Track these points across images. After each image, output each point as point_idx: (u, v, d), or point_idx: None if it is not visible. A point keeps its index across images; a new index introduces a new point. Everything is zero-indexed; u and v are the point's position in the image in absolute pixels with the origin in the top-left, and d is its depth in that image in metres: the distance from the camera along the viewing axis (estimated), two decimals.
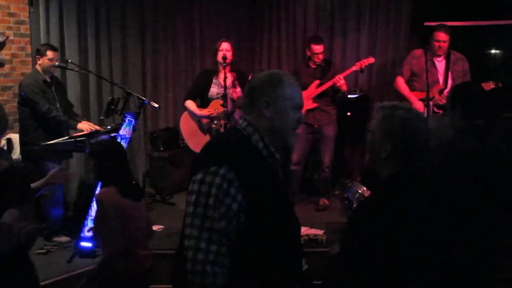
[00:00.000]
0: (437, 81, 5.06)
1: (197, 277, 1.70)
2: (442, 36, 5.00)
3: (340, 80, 5.17)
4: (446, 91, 5.02)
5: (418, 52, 5.19)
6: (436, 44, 5.03)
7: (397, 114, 1.89)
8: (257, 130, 1.90)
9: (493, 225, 2.63)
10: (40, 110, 4.46)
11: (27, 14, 5.46)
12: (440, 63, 5.12)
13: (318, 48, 5.35)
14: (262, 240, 1.80)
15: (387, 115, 1.92)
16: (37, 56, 4.62)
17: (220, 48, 4.97)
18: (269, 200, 1.82)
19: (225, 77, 4.76)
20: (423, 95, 4.80)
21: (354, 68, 5.28)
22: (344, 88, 5.25)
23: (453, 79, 5.09)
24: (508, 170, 2.68)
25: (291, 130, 1.95)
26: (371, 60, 5.28)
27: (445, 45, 5.03)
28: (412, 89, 5.18)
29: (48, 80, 4.65)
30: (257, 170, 1.83)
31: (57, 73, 5.27)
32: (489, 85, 4.88)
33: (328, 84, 5.27)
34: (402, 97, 5.26)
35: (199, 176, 1.78)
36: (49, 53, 4.59)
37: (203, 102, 5.11)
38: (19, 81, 4.78)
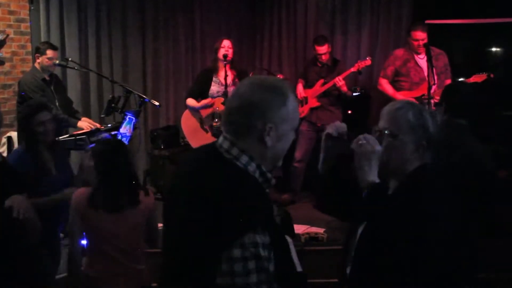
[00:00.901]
0: (424, 79, 5.02)
1: None
2: (419, 34, 4.99)
3: (339, 81, 5.18)
4: (434, 87, 5.01)
5: (400, 52, 5.19)
6: (415, 43, 5.02)
7: (426, 113, 1.90)
8: (252, 158, 1.58)
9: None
10: None
11: (27, 12, 5.45)
12: (422, 61, 5.10)
13: (321, 49, 5.38)
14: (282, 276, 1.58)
15: (416, 113, 1.89)
16: (37, 55, 4.62)
17: (222, 45, 4.97)
18: (276, 231, 1.60)
19: (226, 75, 4.76)
20: (412, 94, 4.84)
21: (352, 70, 5.30)
22: (344, 89, 5.26)
23: (437, 75, 5.06)
24: (474, 172, 2.76)
25: (285, 151, 1.68)
26: (368, 62, 5.29)
27: (424, 42, 5.01)
28: (399, 89, 5.16)
29: (47, 78, 4.64)
30: (271, 215, 1.60)
31: (58, 71, 5.27)
32: (481, 77, 4.86)
33: (331, 83, 5.28)
34: (387, 98, 5.23)
35: (237, 253, 1.44)
36: (49, 52, 4.58)
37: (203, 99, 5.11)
38: (19, 79, 4.78)
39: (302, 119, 5.60)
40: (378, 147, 1.89)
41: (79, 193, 2.89)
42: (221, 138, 1.62)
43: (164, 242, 1.73)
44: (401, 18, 6.35)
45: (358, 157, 1.91)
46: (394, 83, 5.22)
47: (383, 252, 1.81)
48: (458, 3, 5.93)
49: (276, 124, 1.57)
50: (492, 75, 4.83)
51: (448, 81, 5.09)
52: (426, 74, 5.03)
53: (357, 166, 1.91)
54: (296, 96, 1.75)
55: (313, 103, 5.46)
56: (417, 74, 5.05)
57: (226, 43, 4.98)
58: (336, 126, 2.20)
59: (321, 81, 5.41)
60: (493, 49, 6.79)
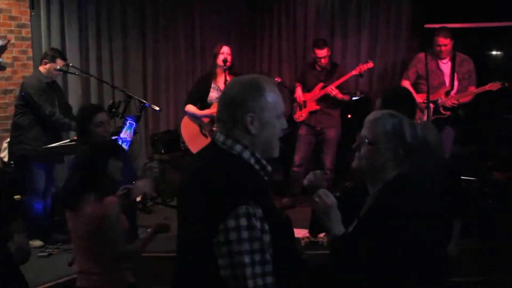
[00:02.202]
0: (444, 83, 5.08)
1: None
2: (442, 40, 5.01)
3: (333, 91, 5.21)
4: (453, 92, 5.05)
5: (422, 55, 5.20)
6: (437, 48, 5.06)
7: (404, 121, 2.01)
8: (246, 147, 1.79)
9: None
10: (43, 112, 4.47)
11: (29, 18, 5.47)
12: (445, 65, 5.13)
13: (321, 52, 5.38)
14: (282, 259, 1.75)
15: (395, 123, 2.00)
16: (45, 60, 4.61)
17: (221, 52, 4.99)
18: (276, 217, 1.78)
19: (226, 80, 4.78)
20: (432, 97, 4.82)
21: (353, 73, 5.31)
22: (340, 96, 5.28)
23: (459, 81, 5.10)
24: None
25: (276, 140, 1.86)
26: (370, 65, 5.30)
27: (447, 48, 5.04)
28: (419, 91, 5.19)
29: (50, 83, 4.66)
30: (263, 192, 1.76)
31: (58, 76, 5.29)
32: (496, 85, 4.89)
33: (325, 91, 5.30)
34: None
35: (232, 224, 1.62)
36: (59, 61, 4.62)
37: (203, 107, 5.12)
38: (21, 83, 4.79)
39: (301, 123, 5.61)
40: (331, 200, 2.02)
41: None
42: (217, 134, 1.83)
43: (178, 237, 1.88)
44: (401, 22, 6.37)
45: (318, 214, 2.05)
46: (415, 85, 5.25)
47: (360, 261, 1.90)
48: (458, 7, 5.94)
49: (256, 113, 1.77)
50: (506, 84, 4.85)
51: (472, 88, 5.11)
52: (446, 78, 5.08)
53: (320, 221, 2.04)
54: (275, 87, 1.88)
55: (312, 106, 5.47)
56: (436, 78, 5.08)
57: (225, 49, 5.00)
58: (307, 179, 2.37)
59: (320, 84, 5.41)
60: (493, 52, 6.81)
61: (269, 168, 1.84)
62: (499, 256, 4.34)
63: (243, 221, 1.62)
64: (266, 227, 1.68)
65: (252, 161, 1.80)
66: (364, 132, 2.05)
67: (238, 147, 1.78)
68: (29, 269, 4.04)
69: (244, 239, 1.62)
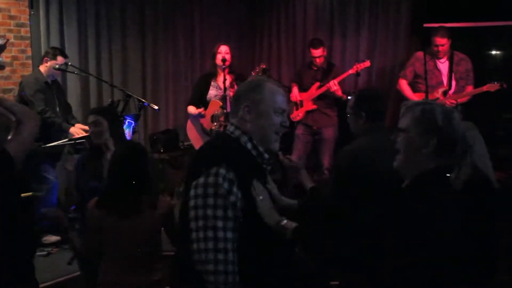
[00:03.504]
0: (441, 83, 5.09)
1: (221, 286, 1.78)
2: (439, 40, 5.03)
3: (334, 86, 5.19)
4: (450, 92, 5.06)
5: (421, 54, 5.21)
6: (435, 48, 5.07)
7: (438, 108, 1.90)
8: (244, 132, 1.98)
9: None
10: (35, 109, 4.43)
11: (28, 17, 5.47)
12: (443, 65, 5.14)
13: (316, 52, 5.39)
14: (259, 238, 1.88)
15: (425, 108, 1.90)
16: (46, 58, 4.62)
17: (219, 51, 5.00)
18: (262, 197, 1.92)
19: (225, 79, 4.79)
20: (429, 96, 4.83)
21: (350, 72, 5.31)
22: (339, 93, 5.25)
23: (456, 80, 5.11)
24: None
25: (274, 133, 2.01)
26: (367, 63, 5.30)
27: (444, 48, 5.05)
28: (417, 90, 5.20)
29: (49, 82, 4.66)
30: (250, 169, 1.92)
31: (59, 75, 5.30)
32: (494, 86, 4.89)
33: (326, 87, 5.29)
34: (404, 99, 5.29)
35: (201, 180, 1.82)
36: (59, 59, 4.62)
37: (203, 105, 5.13)
38: (20, 81, 4.79)
39: (298, 123, 5.61)
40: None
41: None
42: (229, 125, 2.07)
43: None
44: (400, 21, 6.37)
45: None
46: (413, 84, 5.26)
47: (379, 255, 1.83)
48: (456, 7, 5.95)
49: (253, 103, 1.98)
50: (505, 85, 4.86)
51: (470, 88, 5.11)
52: (444, 78, 5.09)
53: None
54: (276, 85, 2.07)
55: (309, 106, 5.47)
56: (434, 78, 5.09)
57: (223, 48, 5.01)
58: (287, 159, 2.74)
59: (317, 84, 5.41)
60: (491, 52, 6.82)
61: (266, 155, 2.02)
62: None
63: (211, 179, 1.81)
64: (236, 190, 1.83)
65: (249, 146, 1.98)
66: (398, 122, 1.99)
67: (237, 132, 1.99)
68: None
69: (209, 193, 1.80)
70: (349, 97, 6.04)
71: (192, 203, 1.83)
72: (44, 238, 4.63)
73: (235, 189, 1.83)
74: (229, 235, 1.79)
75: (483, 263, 2.77)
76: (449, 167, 1.93)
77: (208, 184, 1.81)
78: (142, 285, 2.64)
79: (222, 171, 1.82)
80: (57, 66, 4.64)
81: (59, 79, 5.26)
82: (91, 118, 3.26)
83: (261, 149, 2.00)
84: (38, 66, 4.76)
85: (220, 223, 1.78)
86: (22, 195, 4.71)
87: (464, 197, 2.03)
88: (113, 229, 2.64)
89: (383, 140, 2.83)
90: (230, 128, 2.03)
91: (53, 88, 4.69)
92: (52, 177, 4.74)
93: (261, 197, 1.94)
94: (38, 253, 4.36)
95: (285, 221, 1.97)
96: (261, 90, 1.99)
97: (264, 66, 5.22)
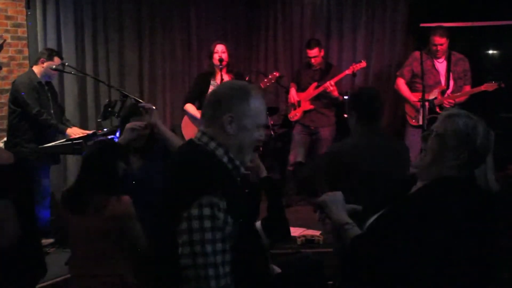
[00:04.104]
0: (439, 83, 5.11)
1: None
2: (438, 39, 5.04)
3: (330, 86, 5.20)
4: (448, 91, 5.07)
5: (418, 54, 5.23)
6: (434, 47, 5.08)
7: (480, 126, 1.92)
8: (220, 144, 1.85)
9: None
10: (30, 111, 4.42)
11: (24, 17, 5.47)
12: (441, 65, 5.16)
13: (311, 52, 5.40)
14: (247, 255, 1.83)
15: (469, 123, 1.91)
16: (42, 59, 4.58)
17: (215, 51, 5.00)
18: (246, 217, 1.86)
19: (222, 79, 4.79)
20: (426, 96, 4.85)
21: (347, 72, 5.32)
22: (335, 94, 5.26)
23: (454, 80, 5.13)
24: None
25: (250, 148, 1.91)
26: (363, 64, 5.32)
27: (443, 47, 5.06)
28: (414, 90, 5.22)
29: (43, 82, 4.63)
30: (234, 190, 1.81)
31: (55, 76, 5.28)
32: (492, 85, 4.91)
33: (323, 87, 5.30)
34: (402, 98, 5.31)
35: (195, 212, 1.67)
36: (56, 59, 4.59)
37: (200, 103, 5.13)
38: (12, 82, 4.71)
39: (295, 122, 5.62)
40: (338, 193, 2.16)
41: None
42: (198, 132, 1.91)
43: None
44: (397, 21, 6.39)
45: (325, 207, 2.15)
46: (410, 84, 5.27)
47: (383, 255, 1.84)
48: (453, 6, 5.96)
49: (237, 116, 1.83)
50: (503, 85, 4.87)
51: (467, 87, 5.13)
52: (442, 78, 5.10)
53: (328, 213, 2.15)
54: (261, 98, 1.93)
55: (306, 106, 5.48)
56: (432, 77, 5.10)
57: (219, 47, 5.01)
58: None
59: (314, 84, 5.43)
60: (489, 52, 6.83)
61: (242, 169, 1.91)
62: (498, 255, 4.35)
63: (206, 211, 1.67)
64: (230, 219, 1.72)
65: (225, 159, 1.86)
66: (435, 125, 1.99)
67: (212, 144, 1.85)
68: None
69: (206, 228, 1.67)
70: (345, 97, 6.08)
71: (185, 238, 1.68)
72: (42, 241, 4.60)
73: (230, 219, 1.72)
74: (227, 269, 1.71)
75: (483, 265, 2.77)
76: (469, 178, 1.94)
77: (204, 217, 1.67)
78: (103, 277, 2.66)
79: (216, 200, 1.69)
80: (54, 67, 4.61)
81: (55, 80, 5.26)
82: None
83: (237, 162, 1.88)
84: (32, 66, 4.71)
85: (219, 258, 1.69)
86: None
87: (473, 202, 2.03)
88: (71, 224, 2.76)
89: (369, 141, 2.89)
90: (203, 138, 1.88)
91: (46, 89, 4.66)
92: (46, 180, 4.70)
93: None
94: None
95: (350, 226, 2.00)
96: (248, 103, 1.85)
97: (278, 74, 5.26)
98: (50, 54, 4.60)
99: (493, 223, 2.78)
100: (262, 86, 5.16)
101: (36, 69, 4.59)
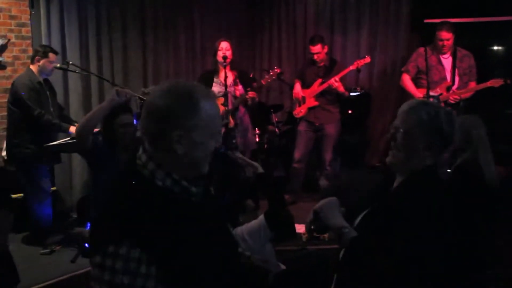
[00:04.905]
0: (445, 78, 5.09)
1: None
2: (444, 34, 5.01)
3: (335, 82, 5.19)
4: (454, 87, 5.06)
5: (423, 50, 5.21)
6: (440, 43, 5.06)
7: (441, 111, 1.95)
8: (160, 166, 1.53)
9: None
10: (32, 113, 4.40)
11: (28, 17, 5.48)
12: (446, 60, 5.14)
13: (314, 48, 5.39)
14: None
15: (430, 112, 1.93)
16: (37, 57, 4.56)
17: (220, 48, 5.01)
18: (195, 254, 1.51)
19: (226, 76, 4.79)
20: (432, 92, 4.83)
21: (351, 68, 5.31)
22: (341, 89, 5.25)
23: (459, 76, 5.11)
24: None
25: (206, 160, 1.61)
26: (367, 60, 5.30)
27: (449, 43, 5.04)
28: (420, 86, 5.20)
29: (42, 81, 4.62)
30: (169, 225, 1.47)
31: (59, 74, 5.29)
32: (498, 81, 4.89)
33: (328, 83, 5.29)
34: (407, 94, 5.29)
35: (97, 259, 1.42)
36: (51, 56, 4.56)
37: None
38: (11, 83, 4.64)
39: (300, 119, 5.62)
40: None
41: None
42: (141, 149, 1.59)
43: None
44: (400, 17, 6.38)
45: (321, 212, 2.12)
46: (415, 80, 5.26)
47: (375, 253, 1.84)
48: (458, 2, 5.95)
49: (188, 131, 1.51)
50: (509, 81, 4.85)
51: (472, 84, 5.11)
52: (447, 74, 5.08)
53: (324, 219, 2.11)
54: (211, 99, 1.60)
55: (311, 102, 5.48)
56: (437, 73, 5.09)
57: (224, 44, 5.01)
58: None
59: (319, 80, 5.42)
60: (493, 47, 6.81)
61: (193, 189, 1.58)
62: (499, 252, 4.34)
63: (108, 262, 1.41)
64: (151, 269, 1.42)
65: (168, 182, 1.54)
66: (398, 122, 2.00)
67: (150, 165, 1.54)
68: (32, 267, 4.11)
69: (105, 281, 1.42)
70: (351, 94, 6.07)
71: (91, 283, 1.46)
72: (49, 240, 4.61)
73: (143, 268, 1.41)
74: None
75: (474, 257, 2.82)
76: (440, 163, 2.01)
77: (105, 267, 1.41)
78: None
79: (123, 251, 1.40)
80: (58, 65, 4.60)
81: (59, 79, 5.27)
82: None
83: (184, 183, 1.55)
84: (29, 66, 4.68)
85: None
86: (13, 196, 4.73)
87: (455, 191, 2.08)
88: None
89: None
90: (142, 157, 1.56)
91: (46, 88, 4.65)
92: (46, 180, 4.70)
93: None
94: (41, 251, 4.41)
95: (347, 230, 1.99)
96: (197, 112, 1.52)
97: (278, 71, 5.24)
98: (44, 51, 4.56)
99: (483, 210, 2.82)
100: (264, 83, 5.16)
101: (34, 68, 4.57)
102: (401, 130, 1.97)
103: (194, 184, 1.59)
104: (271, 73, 5.18)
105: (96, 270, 1.43)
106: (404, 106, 2.01)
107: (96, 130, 3.65)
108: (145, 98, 4.53)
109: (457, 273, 2.11)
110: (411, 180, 1.95)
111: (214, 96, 1.62)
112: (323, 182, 5.62)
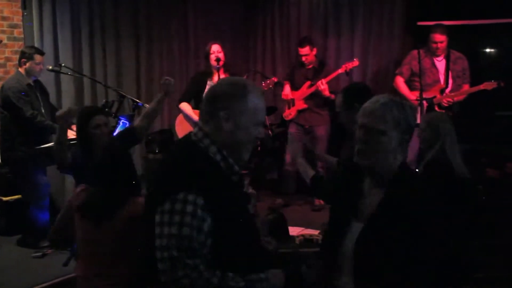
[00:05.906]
0: (438, 81, 5.10)
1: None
2: (438, 37, 5.03)
3: (322, 85, 5.19)
4: (447, 90, 5.07)
5: (416, 52, 5.22)
6: (434, 45, 5.07)
7: (407, 105, 1.94)
8: (214, 142, 1.81)
9: None
10: (24, 115, 4.38)
11: (21, 18, 5.45)
12: (440, 63, 5.15)
13: (302, 50, 5.40)
14: (232, 255, 1.78)
15: (399, 107, 1.91)
16: (23, 60, 4.52)
17: (211, 51, 4.99)
18: (233, 215, 1.79)
19: (219, 79, 4.78)
20: (426, 94, 4.84)
21: (339, 71, 5.30)
22: (326, 93, 5.25)
23: (453, 79, 5.12)
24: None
25: (248, 146, 1.86)
26: (356, 63, 5.31)
27: (443, 45, 5.06)
28: (413, 88, 5.21)
29: (32, 83, 4.59)
30: (220, 188, 1.75)
31: (51, 76, 5.26)
32: (491, 84, 4.90)
33: (316, 86, 5.30)
34: (401, 97, 5.29)
35: (167, 207, 1.68)
36: (37, 57, 4.53)
37: (198, 104, 5.11)
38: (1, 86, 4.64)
39: (290, 121, 5.62)
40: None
41: (75, 193, 2.77)
42: (195, 128, 1.88)
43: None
44: (394, 19, 6.37)
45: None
46: (409, 82, 5.27)
47: (381, 254, 1.84)
48: (451, 4, 5.96)
49: (234, 113, 1.78)
50: (502, 84, 4.86)
51: (466, 86, 5.12)
52: (441, 76, 5.09)
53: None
54: (260, 95, 1.87)
55: (300, 105, 5.48)
56: (431, 76, 5.09)
57: (215, 47, 5.00)
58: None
59: (308, 83, 5.42)
60: (486, 50, 6.83)
61: (236, 168, 1.85)
62: (494, 253, 4.35)
63: (178, 206, 1.66)
64: (208, 217, 1.69)
65: (218, 157, 1.81)
66: (370, 121, 1.91)
67: (206, 141, 1.81)
68: (24, 270, 4.08)
69: (174, 222, 1.66)
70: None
71: (157, 230, 1.70)
72: (43, 245, 4.57)
73: (204, 215, 1.68)
74: (197, 262, 1.69)
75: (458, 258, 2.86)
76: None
77: (175, 212, 1.67)
78: (110, 277, 2.60)
79: (191, 197, 1.67)
80: (50, 68, 4.59)
81: (52, 81, 5.24)
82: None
83: (231, 161, 1.83)
84: (18, 69, 4.66)
85: (183, 254, 1.67)
86: (5, 198, 4.69)
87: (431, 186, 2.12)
88: (82, 226, 2.65)
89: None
90: (198, 134, 1.84)
91: (36, 89, 4.63)
92: (43, 181, 4.67)
93: None
94: (33, 255, 4.37)
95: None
96: (246, 100, 1.80)
97: (275, 80, 5.26)
98: (30, 52, 4.54)
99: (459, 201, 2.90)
100: None
101: (22, 70, 4.55)
102: (376, 129, 1.89)
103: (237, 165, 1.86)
104: (268, 82, 5.18)
105: (166, 216, 1.67)
106: (373, 104, 1.93)
107: (71, 142, 3.62)
108: (138, 101, 4.52)
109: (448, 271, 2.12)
110: (399, 181, 1.91)
111: (262, 93, 1.92)
112: None
